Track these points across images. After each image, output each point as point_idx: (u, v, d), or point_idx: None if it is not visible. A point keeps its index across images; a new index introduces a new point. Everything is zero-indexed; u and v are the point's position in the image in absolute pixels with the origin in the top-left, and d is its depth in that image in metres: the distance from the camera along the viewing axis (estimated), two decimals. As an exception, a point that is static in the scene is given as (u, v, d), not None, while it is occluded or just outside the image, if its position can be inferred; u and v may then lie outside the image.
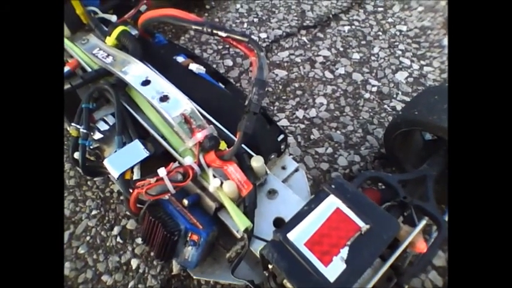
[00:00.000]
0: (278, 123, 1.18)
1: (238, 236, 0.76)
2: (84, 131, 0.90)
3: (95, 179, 1.27)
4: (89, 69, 1.05)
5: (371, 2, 1.85)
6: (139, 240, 1.12)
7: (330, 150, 1.30)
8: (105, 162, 0.82)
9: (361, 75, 1.53)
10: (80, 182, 1.27)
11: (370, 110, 1.41)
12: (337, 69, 1.56)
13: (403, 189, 0.79)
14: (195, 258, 0.78)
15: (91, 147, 0.92)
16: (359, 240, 0.62)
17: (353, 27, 1.74)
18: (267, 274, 0.67)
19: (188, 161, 0.79)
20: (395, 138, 1.06)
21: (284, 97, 1.47)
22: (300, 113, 1.41)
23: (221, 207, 0.79)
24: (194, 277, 0.85)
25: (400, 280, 0.69)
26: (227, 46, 1.67)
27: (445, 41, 1.63)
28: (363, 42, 1.67)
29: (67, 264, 1.10)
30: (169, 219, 0.77)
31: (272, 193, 0.84)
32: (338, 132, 1.35)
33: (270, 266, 0.64)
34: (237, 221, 0.74)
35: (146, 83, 0.91)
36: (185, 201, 0.78)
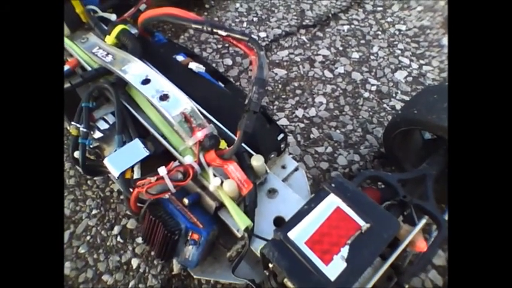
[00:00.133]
0: (278, 122, 1.18)
1: (239, 235, 0.76)
2: (84, 130, 0.90)
3: (95, 178, 1.27)
4: (89, 68, 1.05)
5: (370, 2, 1.85)
6: (139, 240, 1.12)
7: (329, 149, 1.30)
8: (105, 162, 0.82)
9: (361, 75, 1.53)
10: (80, 181, 1.27)
11: (369, 109, 1.41)
12: (336, 68, 1.56)
13: (402, 189, 0.80)
14: (196, 258, 0.78)
15: (91, 146, 0.92)
16: (359, 239, 0.63)
17: (352, 26, 1.74)
18: (267, 273, 0.67)
19: (188, 160, 0.79)
20: (395, 138, 1.06)
21: (284, 96, 1.47)
22: (299, 112, 1.41)
23: (221, 206, 0.79)
24: (195, 276, 0.85)
25: (400, 279, 0.69)
26: (227, 45, 1.67)
27: (444, 41, 1.64)
28: (362, 41, 1.67)
29: (67, 264, 1.10)
30: (169, 218, 0.77)
31: (272, 192, 0.84)
32: (338, 131, 1.35)
33: (270, 265, 0.64)
34: (238, 220, 0.74)
35: (146, 81, 0.91)
36: (185, 200, 0.78)
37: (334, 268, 0.60)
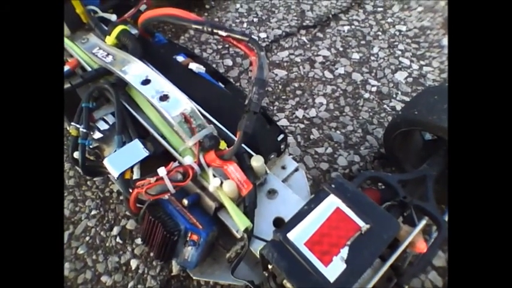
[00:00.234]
0: (278, 123, 1.18)
1: (238, 236, 0.76)
2: (84, 130, 0.90)
3: (95, 178, 1.26)
4: (89, 69, 1.04)
5: (370, 2, 1.85)
6: (139, 241, 1.12)
7: (329, 150, 1.30)
8: (105, 162, 0.82)
9: (361, 75, 1.53)
10: (80, 181, 1.27)
11: (369, 110, 1.41)
12: (336, 69, 1.56)
13: (402, 189, 0.79)
14: (195, 259, 0.78)
15: (91, 146, 0.92)
16: (359, 240, 0.62)
17: (353, 27, 1.74)
18: (266, 274, 0.67)
19: (188, 160, 0.79)
20: (395, 138, 1.06)
21: (284, 97, 1.47)
22: (299, 113, 1.41)
23: (221, 207, 0.79)
24: (194, 277, 0.85)
25: (400, 280, 0.69)
26: (227, 46, 1.67)
27: (444, 41, 1.64)
28: (363, 42, 1.67)
29: (66, 265, 1.09)
30: (169, 219, 0.77)
31: (272, 193, 0.84)
32: (338, 132, 1.35)
33: (269, 266, 0.64)
34: (237, 221, 0.74)
35: (146, 82, 0.91)
36: (185, 201, 0.78)
37: (333, 269, 0.60)
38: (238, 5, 1.88)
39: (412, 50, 1.62)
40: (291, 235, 0.64)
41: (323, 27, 1.74)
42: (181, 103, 0.85)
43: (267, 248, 0.64)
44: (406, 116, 0.98)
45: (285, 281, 0.62)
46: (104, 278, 1.06)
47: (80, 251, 1.12)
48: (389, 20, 1.77)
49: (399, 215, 0.77)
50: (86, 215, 1.19)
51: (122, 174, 0.81)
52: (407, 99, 1.43)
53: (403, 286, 0.69)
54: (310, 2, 1.87)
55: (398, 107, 1.41)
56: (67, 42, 1.11)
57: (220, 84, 1.08)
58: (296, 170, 0.95)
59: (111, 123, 0.94)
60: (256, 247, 0.72)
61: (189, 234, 0.76)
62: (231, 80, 1.43)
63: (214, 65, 1.55)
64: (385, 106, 1.42)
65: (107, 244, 1.13)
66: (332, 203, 0.67)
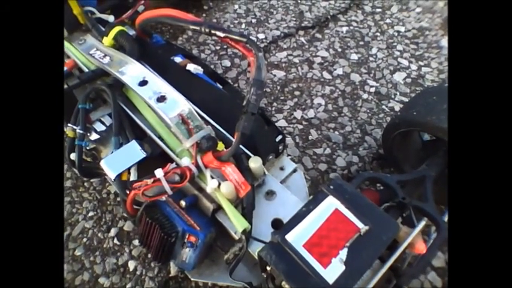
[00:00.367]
0: (276, 123, 1.18)
1: (236, 237, 0.75)
2: (81, 131, 0.89)
3: (92, 180, 1.26)
4: (86, 70, 1.04)
5: (369, 3, 1.85)
6: (136, 242, 1.11)
7: (328, 150, 1.30)
8: (102, 163, 0.81)
9: (359, 76, 1.53)
10: (77, 183, 1.26)
11: (368, 111, 1.41)
12: (335, 69, 1.56)
13: (401, 190, 0.79)
14: (193, 260, 0.77)
15: (87, 148, 0.91)
16: (358, 242, 0.62)
17: (351, 28, 1.74)
18: (265, 276, 0.67)
19: (185, 161, 0.78)
20: (394, 139, 1.05)
21: (282, 98, 1.46)
22: (298, 114, 1.41)
23: (219, 208, 0.79)
24: (192, 279, 0.84)
25: (399, 281, 0.68)
26: (225, 47, 1.67)
27: (443, 42, 1.64)
28: (361, 43, 1.67)
29: (64, 267, 1.08)
30: (166, 220, 0.76)
31: (270, 194, 0.83)
32: (336, 132, 1.35)
33: (268, 268, 0.64)
34: (235, 223, 0.73)
35: (143, 83, 0.90)
36: (182, 203, 0.78)
37: (332, 271, 0.59)
38: (236, 6, 1.88)
39: (410, 50, 1.62)
40: (290, 237, 0.63)
41: (321, 28, 1.74)
42: (178, 104, 0.84)
43: (265, 250, 0.63)
44: (404, 117, 0.98)
45: (283, 283, 0.62)
46: (101, 280, 1.06)
47: (78, 253, 1.11)
48: (387, 20, 1.77)
49: (398, 216, 0.76)
50: (83, 217, 1.19)
51: (119, 176, 0.80)
52: (405, 99, 1.43)
53: (403, 287, 0.69)
54: (308, 2, 1.87)
55: (397, 107, 1.41)
56: (64, 43, 1.11)
57: (218, 85, 1.08)
58: (294, 171, 0.95)
59: (108, 124, 0.94)
60: (255, 249, 0.72)
61: (187, 236, 0.75)
62: (229, 81, 1.43)
63: (212, 66, 1.55)
64: (383, 107, 1.42)
65: (105, 245, 1.12)
66: (331, 204, 0.67)
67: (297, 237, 0.63)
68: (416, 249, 0.66)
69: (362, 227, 0.63)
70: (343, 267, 0.59)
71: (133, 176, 0.81)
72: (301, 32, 1.72)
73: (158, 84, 0.90)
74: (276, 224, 0.79)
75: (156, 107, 0.85)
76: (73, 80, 1.00)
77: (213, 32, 0.85)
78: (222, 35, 0.84)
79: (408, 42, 1.66)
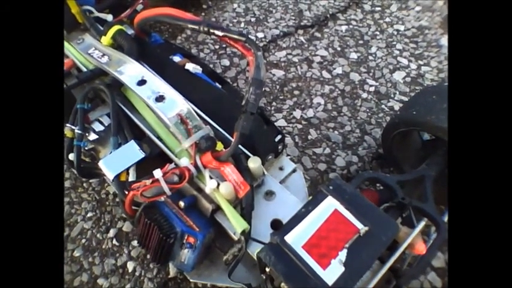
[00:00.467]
0: (275, 123, 1.17)
1: (235, 238, 0.75)
2: (79, 132, 0.89)
3: (91, 180, 1.25)
4: (84, 69, 1.03)
5: (368, 2, 1.85)
6: (135, 243, 1.11)
7: (327, 150, 1.30)
8: (100, 164, 0.81)
9: (359, 75, 1.52)
10: (75, 183, 1.26)
11: (367, 110, 1.40)
12: (334, 69, 1.55)
13: (401, 190, 0.79)
14: (192, 261, 0.77)
15: (86, 148, 0.91)
16: (357, 243, 0.62)
17: (350, 26, 1.73)
18: (264, 277, 0.66)
19: (184, 162, 0.78)
20: (393, 139, 1.05)
21: (281, 97, 1.46)
22: (297, 113, 1.40)
23: (218, 209, 0.78)
24: (191, 280, 0.84)
25: (399, 282, 0.68)
26: (224, 46, 1.66)
27: (443, 41, 1.63)
28: (361, 41, 1.66)
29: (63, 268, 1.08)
30: (165, 221, 0.76)
31: (269, 194, 0.83)
32: (336, 132, 1.34)
33: (267, 269, 0.63)
34: (234, 223, 0.73)
35: (142, 82, 0.90)
36: (181, 203, 0.77)
37: (332, 272, 0.59)
38: (235, 5, 1.87)
39: (410, 49, 1.62)
40: (289, 238, 0.63)
41: (321, 27, 1.74)
42: (177, 104, 0.84)
43: (264, 251, 0.63)
44: (404, 116, 0.98)
45: (282, 284, 0.61)
46: (100, 281, 1.05)
47: (76, 254, 1.11)
48: (387, 19, 1.76)
49: (398, 216, 0.76)
50: (82, 217, 1.18)
51: (118, 176, 0.80)
52: (405, 99, 1.42)
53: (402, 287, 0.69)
54: (308, 1, 1.86)
55: (397, 107, 1.40)
56: (62, 43, 1.10)
57: (217, 84, 1.08)
58: (294, 171, 0.94)
59: (106, 124, 0.93)
60: (254, 249, 0.72)
61: (186, 237, 0.75)
62: (228, 80, 1.42)
63: (211, 65, 1.54)
64: (383, 106, 1.42)
65: (103, 246, 1.12)
66: (330, 205, 0.67)
67: (296, 238, 0.63)
68: (416, 249, 0.66)
69: (361, 228, 0.63)
70: (343, 268, 0.59)
71: (132, 176, 0.81)
72: (300, 31, 1.72)
73: (157, 83, 0.89)
74: (275, 224, 0.78)
75: (154, 106, 0.84)
76: (71, 80, 0.99)
77: (211, 31, 0.85)
78: (221, 34, 0.83)
79: (408, 41, 1.66)
